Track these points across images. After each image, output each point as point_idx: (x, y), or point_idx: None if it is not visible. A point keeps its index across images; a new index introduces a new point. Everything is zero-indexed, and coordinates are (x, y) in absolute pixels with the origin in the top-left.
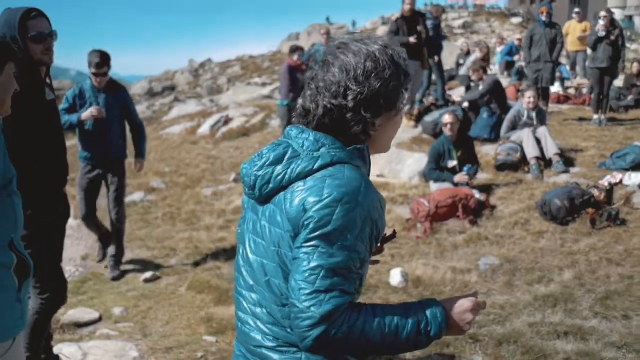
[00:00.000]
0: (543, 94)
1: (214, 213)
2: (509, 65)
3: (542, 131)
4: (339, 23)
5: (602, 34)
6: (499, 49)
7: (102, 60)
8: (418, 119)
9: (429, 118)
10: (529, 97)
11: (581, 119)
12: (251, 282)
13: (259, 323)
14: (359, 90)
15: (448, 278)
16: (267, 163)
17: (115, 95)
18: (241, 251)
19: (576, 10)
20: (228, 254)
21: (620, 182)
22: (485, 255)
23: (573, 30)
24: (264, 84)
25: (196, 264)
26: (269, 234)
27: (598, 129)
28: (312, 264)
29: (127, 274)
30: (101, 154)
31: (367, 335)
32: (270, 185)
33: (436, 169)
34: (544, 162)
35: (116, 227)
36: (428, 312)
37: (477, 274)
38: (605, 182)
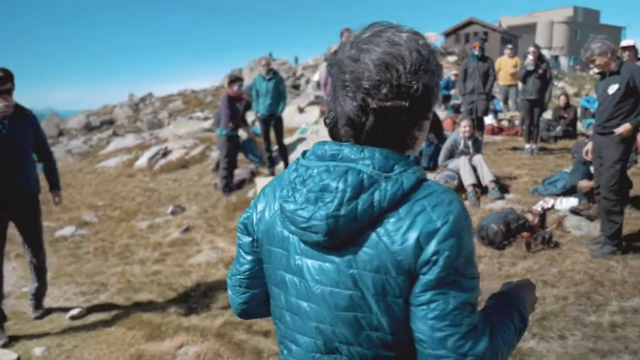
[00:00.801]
0: (478, 124)
1: (149, 246)
2: (445, 99)
3: (477, 159)
4: (282, 59)
5: (531, 67)
6: None
7: (5, 75)
8: None
9: None
10: (464, 126)
11: (514, 149)
12: (320, 344)
13: None
14: (414, 86)
15: None
16: (347, 198)
17: (23, 120)
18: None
19: (508, 46)
20: (162, 287)
21: (552, 207)
22: None
23: (505, 65)
24: (205, 118)
25: (128, 299)
26: (360, 282)
27: (530, 157)
28: (452, 304)
29: (52, 312)
30: (8, 189)
31: (503, 355)
32: (356, 225)
33: None
34: (480, 189)
35: (36, 267)
36: (517, 312)
37: None
38: (538, 207)
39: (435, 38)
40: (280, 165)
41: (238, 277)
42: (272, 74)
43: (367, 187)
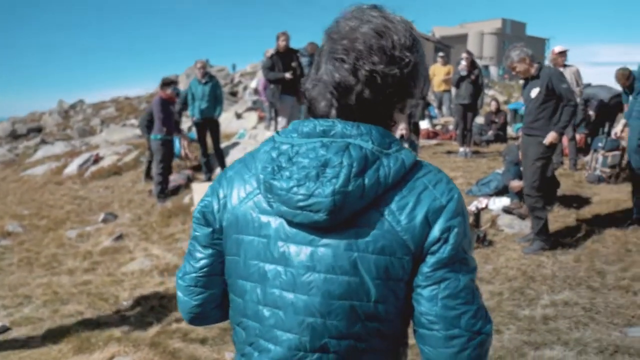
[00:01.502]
0: (414, 129)
1: (78, 255)
2: None
3: None
4: (219, 65)
5: (464, 73)
6: None
7: None
8: None
9: None
10: (401, 129)
11: (449, 152)
12: (305, 341)
13: None
14: (406, 60)
15: None
16: (354, 173)
17: None
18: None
19: (440, 54)
20: (92, 297)
21: (486, 206)
22: None
23: (438, 72)
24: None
25: (54, 311)
26: (361, 267)
27: (464, 160)
28: (463, 282)
29: None
30: None
31: None
32: (362, 203)
33: None
34: None
35: None
36: None
37: None
38: (472, 207)
39: None
40: (218, 170)
41: (193, 275)
42: (208, 78)
43: (371, 162)
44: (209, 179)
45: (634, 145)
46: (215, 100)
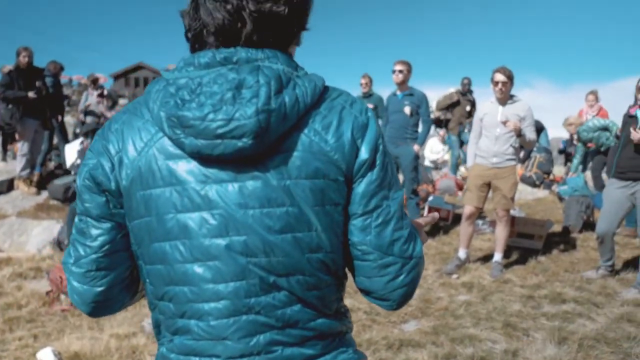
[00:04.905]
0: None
1: None
2: None
3: None
4: None
5: None
6: None
7: None
8: (40, 185)
9: (59, 181)
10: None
11: None
12: (254, 284)
13: (289, 330)
14: None
15: (113, 346)
16: (274, 90)
17: None
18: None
19: None
20: None
21: None
22: (149, 316)
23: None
24: None
25: None
26: (296, 194)
27: None
28: (394, 207)
29: None
30: None
31: None
32: (285, 124)
33: None
34: None
35: None
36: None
37: (145, 335)
38: None
39: (104, 80)
40: None
41: (93, 257)
42: None
43: (285, 82)
44: None
45: None
46: None
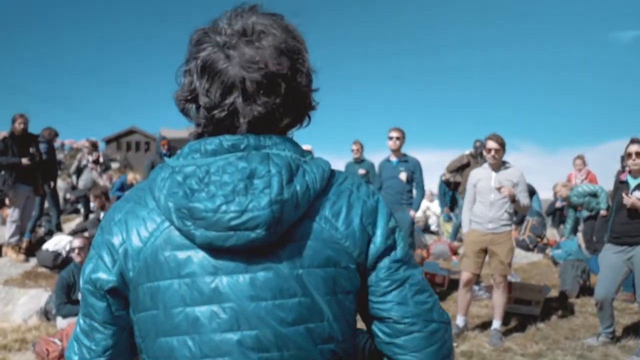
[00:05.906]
0: None
1: None
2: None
3: None
4: None
5: None
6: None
7: None
8: (28, 252)
9: (48, 248)
10: None
11: None
12: None
13: None
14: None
15: None
16: (286, 180)
17: None
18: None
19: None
20: None
21: None
22: None
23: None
24: None
25: None
26: (309, 283)
27: None
28: (419, 275)
29: None
30: None
31: None
32: (297, 213)
33: (67, 302)
34: None
35: None
36: None
37: None
38: None
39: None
40: None
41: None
42: None
43: (295, 170)
44: None
45: None
46: None
